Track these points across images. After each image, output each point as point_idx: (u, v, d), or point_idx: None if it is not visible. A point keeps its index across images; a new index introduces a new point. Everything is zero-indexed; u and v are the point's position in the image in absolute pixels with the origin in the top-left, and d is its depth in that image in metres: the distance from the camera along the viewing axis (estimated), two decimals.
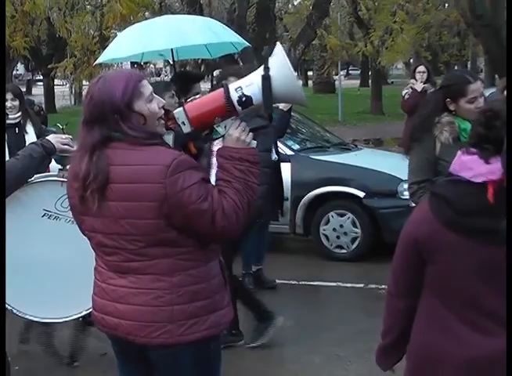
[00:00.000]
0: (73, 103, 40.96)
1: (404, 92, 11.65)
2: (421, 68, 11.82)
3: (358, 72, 54.92)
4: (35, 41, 25.19)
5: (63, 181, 4.41)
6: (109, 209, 3.15)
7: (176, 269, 3.20)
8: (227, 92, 3.18)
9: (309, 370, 6.01)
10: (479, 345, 2.95)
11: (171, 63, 11.04)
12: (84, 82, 26.13)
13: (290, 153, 9.41)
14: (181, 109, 3.24)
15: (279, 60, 3.19)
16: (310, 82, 53.79)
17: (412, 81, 11.56)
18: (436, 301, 3.05)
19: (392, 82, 46.40)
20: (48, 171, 4.71)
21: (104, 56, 9.52)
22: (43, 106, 18.40)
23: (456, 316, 3.01)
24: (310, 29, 19.82)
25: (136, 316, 3.23)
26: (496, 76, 15.39)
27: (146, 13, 19.28)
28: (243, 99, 3.17)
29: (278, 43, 3.26)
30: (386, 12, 23.90)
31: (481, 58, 33.09)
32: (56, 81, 37.29)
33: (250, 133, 3.26)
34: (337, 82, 34.47)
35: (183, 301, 3.21)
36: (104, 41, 18.66)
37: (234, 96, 3.18)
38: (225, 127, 3.25)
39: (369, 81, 40.32)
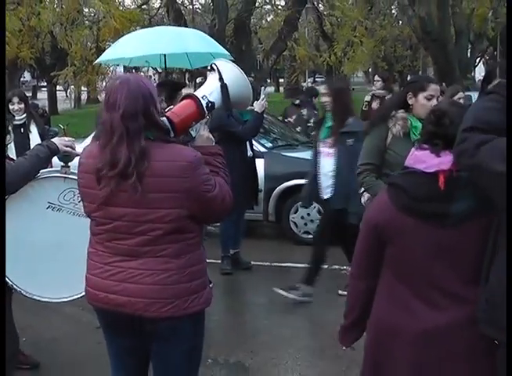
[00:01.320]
0: (72, 106, 40.81)
1: (366, 99, 11.70)
2: (376, 77, 11.97)
3: (324, 79, 54.97)
4: (40, 52, 25.09)
5: (65, 177, 4.41)
6: (140, 199, 3.16)
7: (183, 253, 3.29)
8: (198, 100, 3.36)
9: (279, 341, 6.01)
10: (431, 318, 2.97)
11: (159, 71, 11.03)
12: (82, 88, 26.08)
13: (263, 150, 9.44)
14: (164, 118, 3.31)
15: (229, 69, 3.43)
16: (281, 88, 53.91)
17: (374, 87, 11.68)
18: (394, 280, 3.07)
19: (353, 89, 46.33)
20: (51, 166, 4.70)
21: (106, 56, 9.50)
22: (46, 108, 18.33)
23: (411, 292, 3.02)
24: (281, 42, 19.86)
25: (147, 293, 3.28)
26: (444, 84, 15.42)
27: (137, 28, 19.19)
28: (209, 104, 3.37)
29: (217, 59, 3.47)
30: (347, 27, 23.94)
31: (431, 68, 33.15)
32: (58, 87, 37.19)
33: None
34: (304, 88, 34.42)
35: (186, 280, 3.30)
36: (100, 52, 18.65)
37: (203, 103, 3.36)
38: (195, 129, 3.45)
39: None
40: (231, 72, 3.40)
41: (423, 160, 2.93)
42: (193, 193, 3.18)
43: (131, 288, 3.29)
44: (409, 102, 4.80)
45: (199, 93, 3.40)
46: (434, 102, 4.77)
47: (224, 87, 3.36)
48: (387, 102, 5.08)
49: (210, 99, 3.35)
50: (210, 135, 3.42)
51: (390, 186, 3.07)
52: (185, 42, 8.34)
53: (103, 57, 9.72)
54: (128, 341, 3.56)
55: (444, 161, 2.87)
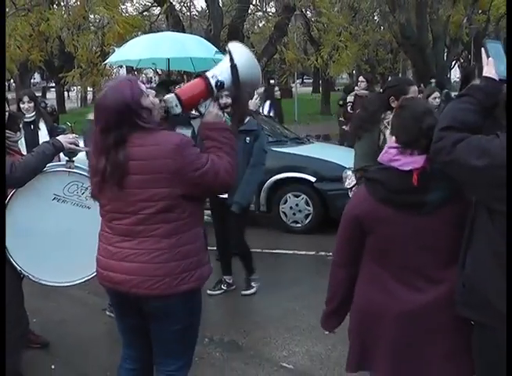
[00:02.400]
0: (79, 105, 40.76)
1: (348, 99, 11.69)
2: (361, 78, 11.93)
3: (311, 81, 54.91)
4: (49, 55, 25.05)
5: (69, 171, 4.42)
6: (130, 181, 3.23)
7: (173, 233, 3.29)
8: (207, 79, 3.34)
9: (270, 321, 6.02)
10: (410, 300, 2.98)
11: (159, 72, 11.01)
12: (88, 88, 26.02)
13: None
14: (173, 94, 3.36)
15: (240, 51, 3.38)
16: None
17: (356, 88, 11.66)
18: (375, 266, 3.08)
19: (338, 89, 46.21)
20: (59, 159, 4.71)
21: (114, 58, 9.46)
22: (55, 107, 18.27)
23: (392, 276, 3.03)
24: (272, 46, 19.83)
25: (140, 271, 3.30)
26: (422, 85, 15.43)
27: (139, 33, 19.14)
28: (219, 83, 3.34)
29: (230, 43, 3.42)
30: (333, 32, 23.87)
31: (410, 70, 33.18)
32: (66, 88, 37.16)
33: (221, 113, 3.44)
34: (293, 89, 34.38)
35: (177, 259, 3.30)
36: (105, 56, 18.64)
37: (212, 82, 3.34)
38: (205, 106, 3.41)
39: (320, 88, 40.38)
40: (241, 54, 3.36)
41: (397, 158, 2.95)
42: (182, 174, 3.19)
43: (126, 266, 3.32)
44: (392, 105, 4.75)
45: (209, 73, 3.39)
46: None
47: (234, 67, 3.33)
48: (370, 106, 5.01)
49: (220, 79, 3.33)
50: (220, 112, 3.39)
51: (368, 181, 3.09)
52: (187, 48, 8.31)
53: (113, 58, 9.66)
54: (131, 320, 3.58)
55: (417, 160, 2.91)
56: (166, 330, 3.46)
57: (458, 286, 2.79)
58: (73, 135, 4.63)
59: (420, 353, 3.00)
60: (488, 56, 2.85)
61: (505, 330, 2.57)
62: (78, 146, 4.46)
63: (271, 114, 11.79)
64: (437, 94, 8.61)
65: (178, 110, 3.34)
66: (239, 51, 3.38)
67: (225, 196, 6.14)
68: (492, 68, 2.81)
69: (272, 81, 13.15)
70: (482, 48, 2.89)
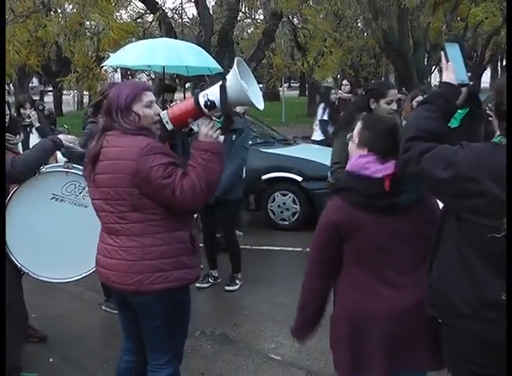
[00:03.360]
0: (76, 108, 40.57)
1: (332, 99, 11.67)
2: (345, 82, 11.93)
3: (298, 84, 54.95)
4: (46, 60, 24.92)
5: (67, 171, 4.42)
6: (101, 180, 3.30)
7: (146, 233, 3.28)
8: (196, 98, 3.29)
9: (259, 315, 6.04)
10: (396, 298, 2.99)
11: (153, 77, 10.97)
12: (84, 92, 25.93)
13: None
14: (165, 112, 3.35)
15: (232, 74, 3.24)
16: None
17: (339, 91, 11.64)
18: (357, 270, 3.07)
19: None
20: (56, 161, 4.72)
21: (111, 61, 9.40)
22: (53, 110, 18.24)
23: (374, 278, 3.03)
24: (260, 51, 19.79)
25: (117, 267, 3.34)
26: (403, 89, 15.46)
27: (133, 39, 19.07)
28: (208, 103, 3.26)
29: (236, 58, 3.30)
30: (318, 38, 23.85)
31: (392, 74, 33.23)
32: (63, 91, 37.04)
33: (218, 130, 3.33)
34: (281, 92, 34.45)
35: (151, 258, 3.29)
36: (100, 61, 18.63)
37: (202, 101, 3.27)
38: (198, 125, 3.37)
39: (306, 92, 40.38)
40: (233, 76, 3.25)
41: (367, 167, 2.97)
42: (141, 177, 3.17)
43: (108, 262, 3.38)
44: (372, 106, 4.78)
45: (202, 92, 3.34)
46: (393, 105, 4.82)
47: (222, 87, 3.24)
48: (350, 106, 5.06)
49: (210, 98, 3.25)
50: (210, 133, 3.29)
51: (340, 190, 3.08)
52: (183, 56, 8.26)
53: (110, 62, 9.58)
54: (126, 313, 3.61)
55: (388, 167, 2.93)
56: (148, 325, 3.47)
57: (427, 289, 2.80)
58: (73, 136, 4.66)
59: (410, 348, 3.02)
60: (447, 61, 2.85)
61: (469, 329, 2.60)
62: (75, 146, 4.49)
63: (325, 118, 11.26)
64: (420, 97, 8.63)
65: (169, 126, 3.31)
66: (232, 72, 3.27)
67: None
68: (451, 73, 2.81)
69: (328, 86, 12.43)
70: (442, 52, 2.88)
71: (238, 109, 6.78)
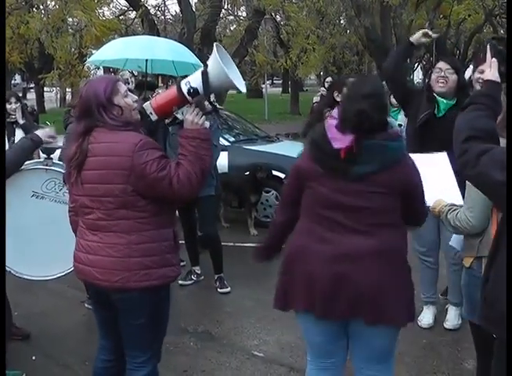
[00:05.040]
0: (58, 105, 40.34)
1: (315, 99, 11.68)
2: (329, 79, 11.91)
3: (281, 81, 54.96)
4: (28, 57, 24.82)
5: (47, 168, 4.40)
6: (89, 176, 3.26)
7: (133, 230, 3.27)
8: (178, 86, 3.31)
9: (242, 312, 6.05)
10: (337, 243, 3.14)
11: (135, 74, 10.92)
12: (67, 89, 25.80)
13: (227, 144, 9.42)
14: (148, 103, 3.37)
15: (213, 58, 3.28)
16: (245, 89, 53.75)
17: (322, 88, 11.63)
18: (306, 219, 3.27)
19: (307, 90, 46.46)
20: (38, 157, 4.70)
21: (93, 58, 9.35)
22: (35, 107, 18.13)
23: (321, 226, 3.19)
24: (243, 48, 19.78)
25: (102, 264, 3.31)
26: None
27: (116, 36, 19.00)
28: (191, 90, 3.28)
29: (215, 44, 3.34)
30: (301, 35, 23.86)
31: (375, 72, 33.31)
32: (45, 88, 36.83)
33: (203, 117, 3.34)
34: (264, 89, 34.44)
35: (138, 255, 3.28)
36: (83, 57, 18.56)
37: (184, 89, 3.29)
38: (182, 113, 3.35)
39: (289, 89, 40.42)
40: (214, 60, 3.28)
41: (330, 129, 3.09)
42: (136, 172, 3.17)
43: (91, 259, 3.34)
44: (338, 99, 4.90)
45: (184, 80, 3.35)
46: None
47: (204, 74, 3.27)
48: (318, 105, 5.19)
49: (193, 85, 3.28)
50: (196, 119, 3.30)
51: (310, 141, 3.23)
52: (159, 50, 8.23)
53: (92, 59, 9.50)
54: (104, 311, 3.58)
55: (345, 139, 3.02)
56: (130, 323, 3.45)
57: (481, 301, 2.72)
58: (52, 128, 4.62)
59: (334, 295, 3.13)
60: (491, 57, 2.75)
61: None
62: (56, 138, 4.45)
63: None
64: None
65: (154, 117, 3.33)
66: (212, 57, 3.31)
67: None
68: (495, 70, 2.74)
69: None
70: (487, 47, 2.80)
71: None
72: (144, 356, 3.53)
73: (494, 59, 2.76)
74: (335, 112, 3.15)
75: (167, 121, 3.60)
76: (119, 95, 3.31)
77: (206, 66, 3.32)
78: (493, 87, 2.73)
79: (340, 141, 3.01)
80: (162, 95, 3.42)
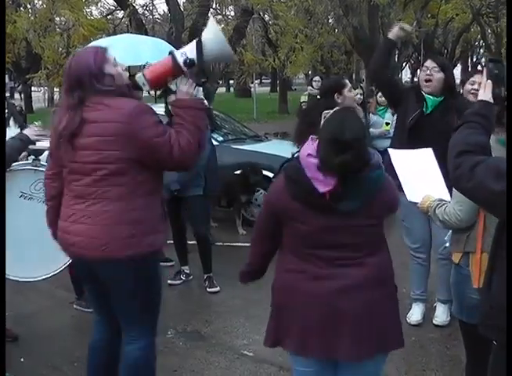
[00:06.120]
0: (46, 105, 40.19)
1: (302, 99, 11.66)
2: (317, 78, 11.93)
3: (269, 81, 54.97)
4: (16, 57, 24.78)
5: (35, 169, 4.38)
6: (84, 143, 3.21)
7: (124, 197, 3.24)
8: (174, 57, 3.29)
9: (231, 311, 6.05)
10: (331, 279, 3.02)
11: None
12: (55, 89, 25.75)
13: (215, 143, 9.36)
14: (141, 74, 3.33)
15: (208, 28, 3.32)
16: (232, 89, 53.79)
17: (310, 88, 11.63)
18: (294, 257, 3.12)
19: (295, 89, 46.48)
20: (26, 159, 4.67)
21: None
22: (22, 106, 18.08)
23: (311, 264, 3.06)
24: (231, 47, 19.77)
25: (87, 233, 3.26)
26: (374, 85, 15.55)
27: (103, 35, 18.95)
28: (187, 61, 3.27)
29: (211, 17, 3.33)
30: (290, 34, 23.90)
31: (363, 70, 33.39)
32: (33, 88, 36.71)
33: (197, 87, 3.34)
34: (252, 89, 34.45)
35: (125, 223, 3.25)
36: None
37: (180, 60, 3.28)
38: (176, 84, 3.33)
39: (278, 88, 40.44)
40: (209, 30, 3.30)
41: (310, 167, 2.93)
42: (133, 138, 3.15)
43: (77, 228, 3.30)
44: (339, 101, 4.85)
45: (179, 50, 3.35)
46: (354, 91, 5.12)
47: (198, 43, 3.27)
48: (315, 111, 5.17)
49: (189, 56, 3.27)
50: (190, 90, 3.31)
51: (288, 178, 3.05)
52: (141, 53, 8.17)
53: None
54: (93, 286, 3.56)
55: (329, 182, 2.89)
56: (119, 294, 3.42)
57: (484, 308, 2.71)
58: (39, 123, 4.59)
59: (329, 332, 3.05)
60: (487, 78, 2.80)
61: None
62: (44, 135, 4.41)
63: None
64: None
65: (146, 88, 3.32)
66: (208, 28, 3.33)
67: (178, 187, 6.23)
68: (488, 91, 2.77)
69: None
70: (484, 68, 2.84)
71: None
72: (139, 328, 3.51)
73: (489, 81, 2.80)
74: (312, 149, 2.97)
75: (158, 92, 3.56)
76: (109, 64, 3.30)
77: (200, 36, 3.32)
78: (486, 107, 2.76)
79: (324, 183, 2.89)
80: (156, 66, 3.39)
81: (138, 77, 3.31)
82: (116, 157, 3.18)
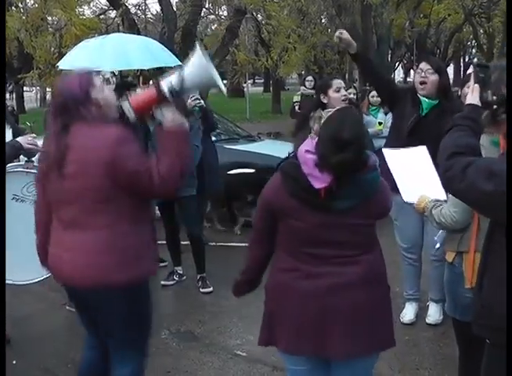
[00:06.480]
0: (38, 105, 40.09)
1: (295, 99, 11.65)
2: (310, 78, 11.93)
3: (262, 81, 54.97)
4: (8, 57, 24.69)
5: (28, 171, 4.37)
6: (69, 171, 3.17)
7: (109, 225, 3.22)
8: (158, 86, 3.28)
9: (225, 311, 6.06)
10: (324, 277, 3.04)
11: (115, 73, 10.82)
12: (47, 89, 25.71)
13: None
14: (126, 101, 3.32)
15: (195, 56, 3.31)
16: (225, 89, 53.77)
17: (303, 88, 11.63)
18: (288, 256, 3.13)
19: (288, 89, 46.47)
20: (18, 160, 4.66)
21: (63, 64, 9.22)
22: (14, 106, 18.05)
23: (305, 263, 3.07)
24: (224, 47, 19.76)
25: (76, 261, 3.23)
26: (367, 84, 15.55)
27: (96, 35, 18.93)
28: (171, 89, 3.26)
29: (196, 45, 3.34)
30: (282, 34, 23.90)
31: (356, 70, 33.42)
32: (25, 88, 36.63)
33: (183, 116, 3.32)
34: (245, 89, 34.44)
35: (111, 252, 3.22)
36: (62, 57, 18.45)
37: (165, 88, 3.27)
38: (162, 112, 3.31)
39: (271, 88, 40.45)
40: (197, 58, 3.30)
41: (307, 163, 2.97)
42: (115, 165, 3.12)
43: (64, 256, 3.28)
44: (324, 101, 4.92)
45: (165, 79, 3.34)
46: (342, 92, 5.04)
47: (179, 73, 3.28)
48: (304, 107, 5.24)
49: (173, 85, 3.27)
50: (175, 117, 3.28)
51: (283, 173, 3.09)
52: (131, 58, 8.14)
53: (62, 64, 9.32)
54: (83, 312, 3.56)
55: (325, 178, 2.92)
56: (108, 322, 3.41)
57: (476, 307, 2.72)
58: (33, 135, 4.58)
59: (321, 330, 3.06)
60: (475, 82, 2.84)
61: None
62: (37, 146, 4.41)
63: None
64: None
65: (131, 116, 3.31)
66: (192, 59, 3.33)
67: None
68: (476, 95, 2.81)
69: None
70: (472, 73, 2.89)
71: (188, 106, 6.61)
72: (128, 353, 3.50)
73: (476, 85, 2.84)
74: (311, 145, 3.01)
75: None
76: (96, 90, 3.27)
77: (186, 65, 3.33)
78: (474, 110, 2.80)
79: (320, 180, 2.92)
80: (142, 95, 3.41)
81: (124, 104, 3.30)
82: (100, 184, 3.16)
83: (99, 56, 8.16)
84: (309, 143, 3.03)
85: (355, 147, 2.90)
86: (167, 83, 3.30)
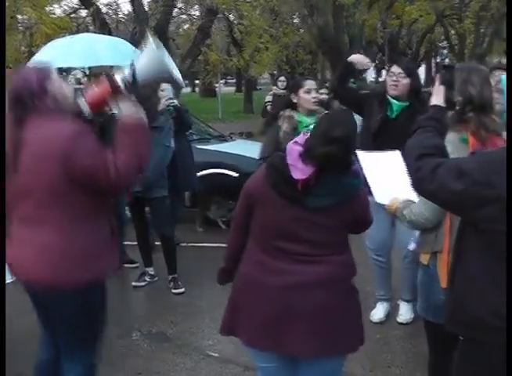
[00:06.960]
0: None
1: (267, 99, 11.66)
2: (282, 78, 11.96)
3: (234, 81, 54.99)
4: None
5: None
6: (24, 166, 3.11)
7: (65, 222, 3.15)
8: (111, 80, 3.25)
9: (197, 312, 6.06)
10: (289, 274, 3.07)
11: (87, 73, 10.79)
12: None
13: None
14: (82, 98, 3.28)
15: (148, 47, 3.33)
16: (197, 89, 53.69)
17: (274, 87, 11.66)
18: (258, 248, 3.19)
19: (260, 89, 46.58)
20: None
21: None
22: None
23: (273, 257, 3.12)
24: (196, 47, 19.77)
25: (26, 256, 3.17)
26: None
27: (66, 34, 18.82)
28: (126, 82, 3.24)
29: (148, 35, 3.34)
30: (254, 34, 23.96)
31: (328, 70, 33.56)
32: None
33: (140, 109, 3.28)
34: (217, 89, 34.45)
35: (66, 250, 3.14)
36: (32, 56, 18.32)
37: (120, 82, 3.25)
38: (118, 105, 3.29)
39: (243, 88, 40.48)
40: (148, 48, 3.31)
41: (292, 154, 3.02)
42: (69, 159, 3.05)
43: (17, 252, 3.22)
44: (294, 100, 5.00)
45: (118, 72, 3.31)
46: (313, 94, 5.11)
47: (132, 65, 3.26)
48: (275, 106, 5.30)
49: (128, 77, 3.25)
50: (132, 111, 3.23)
51: (269, 166, 3.14)
52: (99, 55, 8.12)
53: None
54: (37, 309, 3.52)
55: (305, 171, 2.96)
56: (59, 322, 3.36)
57: (449, 304, 2.73)
58: None
59: (283, 327, 3.08)
60: (440, 83, 2.89)
61: (498, 343, 2.47)
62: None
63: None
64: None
65: (88, 111, 3.26)
66: (144, 50, 3.35)
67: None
68: (440, 96, 2.87)
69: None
70: (438, 74, 2.94)
71: (161, 106, 6.59)
72: (75, 354, 3.43)
73: (441, 86, 2.90)
74: (300, 138, 3.07)
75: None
76: (52, 83, 3.22)
77: (139, 56, 3.35)
78: (439, 111, 2.87)
79: (301, 171, 2.96)
80: (96, 91, 3.35)
81: (81, 102, 3.26)
82: (55, 179, 3.08)
83: (68, 53, 8.15)
84: (301, 137, 3.10)
85: (343, 145, 2.95)
86: (120, 76, 3.27)
